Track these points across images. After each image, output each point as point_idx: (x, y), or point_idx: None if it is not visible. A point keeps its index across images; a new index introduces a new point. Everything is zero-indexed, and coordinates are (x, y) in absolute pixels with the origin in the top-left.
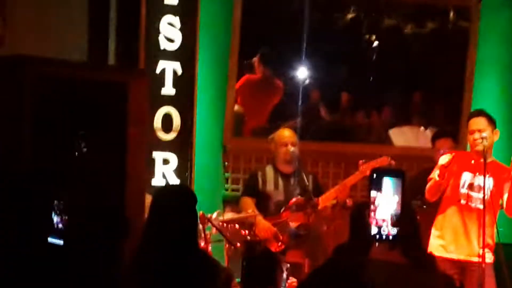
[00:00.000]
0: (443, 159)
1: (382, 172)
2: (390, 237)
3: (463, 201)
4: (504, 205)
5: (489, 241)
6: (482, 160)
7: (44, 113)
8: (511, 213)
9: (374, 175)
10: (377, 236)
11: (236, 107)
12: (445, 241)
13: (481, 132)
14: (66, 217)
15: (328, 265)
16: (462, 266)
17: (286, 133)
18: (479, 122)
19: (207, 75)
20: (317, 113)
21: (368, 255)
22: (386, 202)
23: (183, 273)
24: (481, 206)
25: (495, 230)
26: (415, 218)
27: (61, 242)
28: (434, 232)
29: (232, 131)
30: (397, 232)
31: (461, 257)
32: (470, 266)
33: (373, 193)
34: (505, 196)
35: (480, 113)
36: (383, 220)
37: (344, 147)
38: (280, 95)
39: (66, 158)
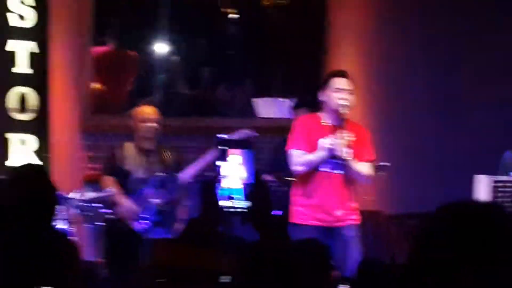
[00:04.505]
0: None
1: (227, 143)
2: (242, 210)
3: (323, 169)
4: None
5: (353, 204)
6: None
7: None
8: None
9: (220, 146)
10: (228, 209)
11: (94, 84)
12: (310, 209)
13: (349, 93)
14: None
15: (183, 238)
16: (329, 231)
17: (146, 110)
18: (346, 82)
19: (61, 53)
20: (178, 87)
21: (218, 228)
22: (235, 173)
23: (36, 253)
24: (342, 171)
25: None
26: (268, 191)
27: None
28: (297, 200)
29: (89, 109)
30: (249, 205)
31: (327, 222)
32: (338, 230)
33: (219, 163)
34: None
35: (346, 74)
36: (233, 194)
37: (206, 121)
38: (136, 66)
39: None
